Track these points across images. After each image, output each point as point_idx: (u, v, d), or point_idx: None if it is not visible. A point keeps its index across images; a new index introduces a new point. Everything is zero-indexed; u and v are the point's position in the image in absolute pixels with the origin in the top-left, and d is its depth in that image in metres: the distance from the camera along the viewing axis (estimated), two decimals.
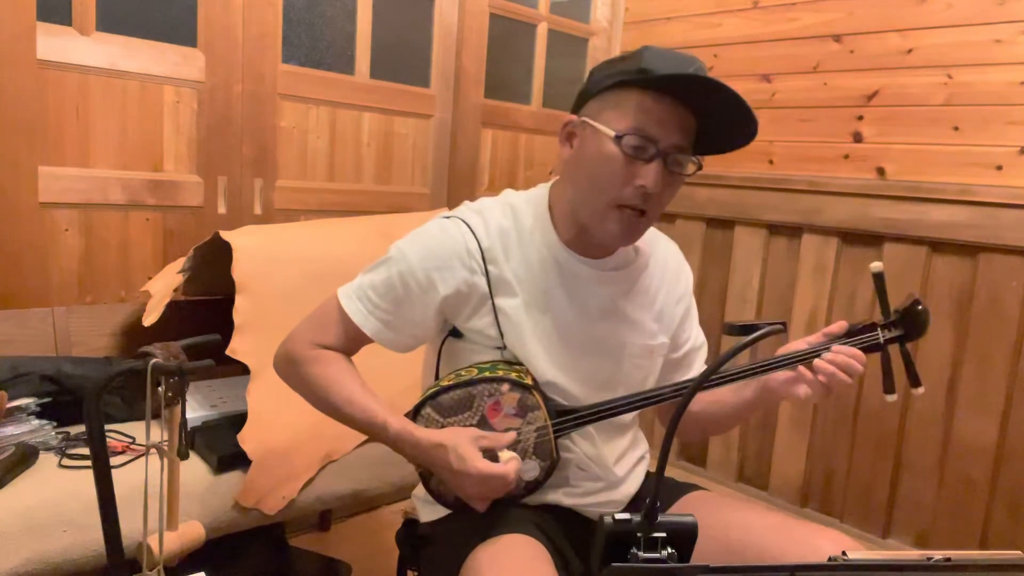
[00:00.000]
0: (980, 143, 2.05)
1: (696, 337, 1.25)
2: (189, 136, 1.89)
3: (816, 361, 1.06)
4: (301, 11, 2.08)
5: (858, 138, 2.29)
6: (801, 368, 1.08)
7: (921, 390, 1.12)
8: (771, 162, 2.50)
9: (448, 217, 1.09)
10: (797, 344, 1.11)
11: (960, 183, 2.06)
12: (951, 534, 2.11)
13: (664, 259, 1.20)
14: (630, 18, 2.89)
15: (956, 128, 2.09)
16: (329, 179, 2.21)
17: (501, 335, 1.07)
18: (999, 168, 2.02)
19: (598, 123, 1.00)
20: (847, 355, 1.05)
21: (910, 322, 1.10)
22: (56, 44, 1.65)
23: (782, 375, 1.09)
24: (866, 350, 1.09)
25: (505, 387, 1.04)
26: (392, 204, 2.36)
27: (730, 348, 0.64)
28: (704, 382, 0.62)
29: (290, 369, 1.12)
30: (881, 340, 1.10)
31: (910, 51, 2.17)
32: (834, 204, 2.29)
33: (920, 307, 1.09)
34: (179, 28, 1.84)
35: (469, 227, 1.07)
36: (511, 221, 1.09)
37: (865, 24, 2.26)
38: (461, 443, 0.98)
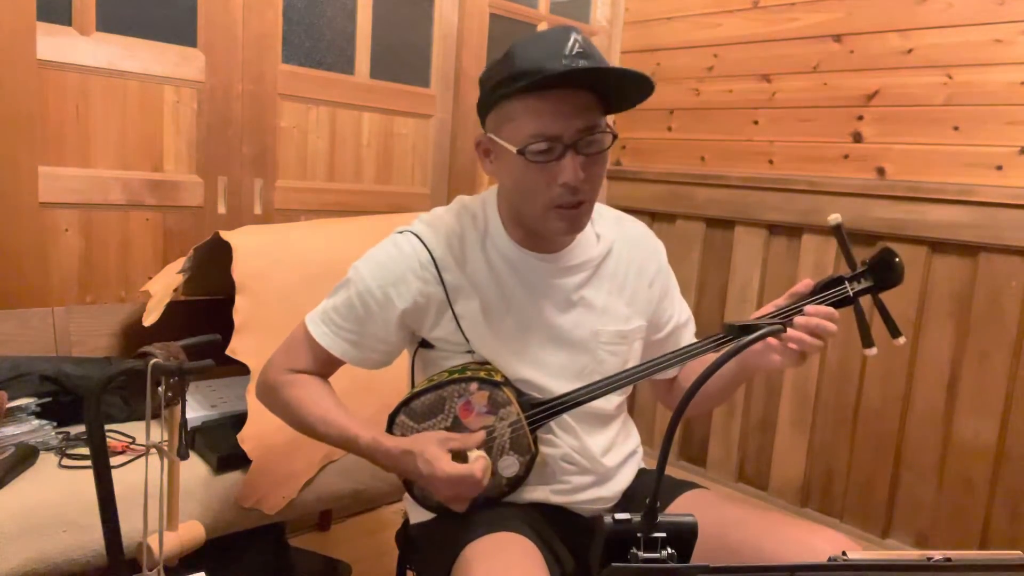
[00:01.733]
0: (980, 143, 2.05)
1: (680, 313, 1.24)
2: (189, 136, 1.89)
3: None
4: (301, 11, 2.08)
5: (858, 138, 2.29)
6: (770, 338, 1.03)
7: (902, 340, 1.06)
8: (771, 162, 2.50)
9: (401, 231, 1.11)
10: (765, 309, 1.08)
11: (960, 183, 2.06)
12: (951, 534, 2.11)
13: (632, 241, 1.19)
14: (630, 18, 2.90)
15: (956, 128, 2.09)
16: (329, 179, 2.21)
17: (466, 340, 1.08)
18: (999, 168, 2.02)
19: (500, 139, 1.00)
20: (819, 316, 1.00)
21: (880, 271, 1.05)
22: (56, 44, 1.65)
23: (754, 345, 1.04)
24: (837, 306, 1.04)
25: (474, 386, 1.04)
26: (392, 204, 2.36)
27: (729, 348, 0.64)
28: (701, 385, 0.62)
29: (268, 395, 1.14)
30: (850, 293, 1.05)
31: (910, 51, 2.17)
32: (834, 204, 2.29)
33: (897, 259, 1.04)
34: (179, 28, 1.84)
35: (420, 239, 1.08)
36: (463, 227, 1.10)
37: (865, 24, 2.26)
38: (427, 448, 0.99)
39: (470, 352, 1.09)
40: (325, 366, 1.13)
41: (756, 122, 2.53)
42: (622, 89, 0.99)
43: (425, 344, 1.12)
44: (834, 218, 1.08)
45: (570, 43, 0.95)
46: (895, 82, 2.20)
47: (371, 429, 1.05)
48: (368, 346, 1.10)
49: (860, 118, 2.28)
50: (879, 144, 2.25)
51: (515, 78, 0.95)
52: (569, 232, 1.06)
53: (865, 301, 1.08)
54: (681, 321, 1.24)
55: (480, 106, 1.05)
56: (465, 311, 1.08)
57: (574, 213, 1.02)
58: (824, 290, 1.06)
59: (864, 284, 1.06)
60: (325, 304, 1.13)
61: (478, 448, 1.02)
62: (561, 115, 0.96)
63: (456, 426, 1.05)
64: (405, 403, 1.06)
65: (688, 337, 1.25)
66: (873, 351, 1.07)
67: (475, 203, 1.14)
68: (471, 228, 1.10)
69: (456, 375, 1.05)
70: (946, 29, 2.10)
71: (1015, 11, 1.98)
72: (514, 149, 0.98)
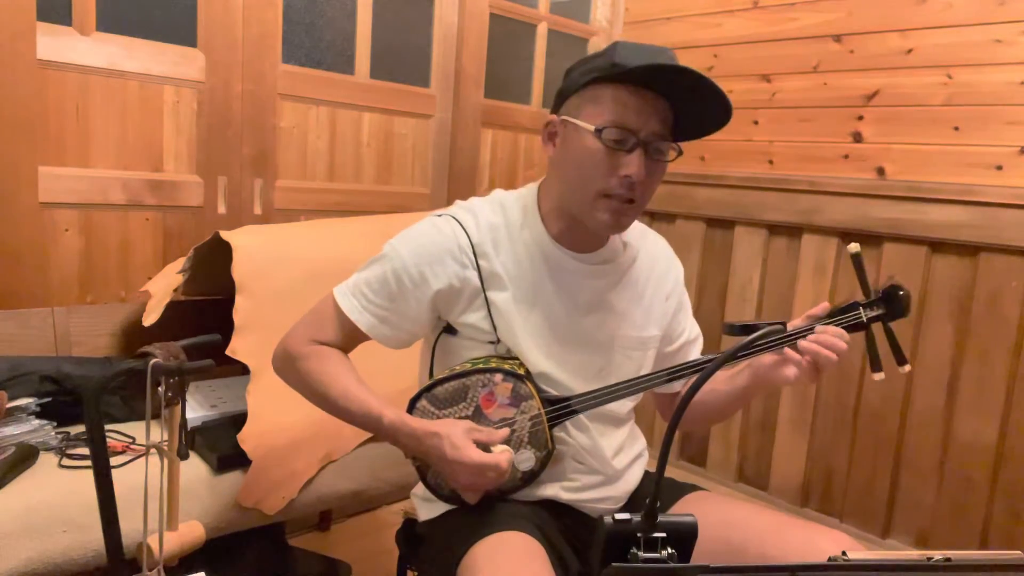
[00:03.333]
0: (980, 143, 2.05)
1: (691, 330, 1.27)
2: (189, 136, 1.89)
3: (801, 342, 1.06)
4: (301, 11, 2.08)
5: (858, 138, 2.29)
6: (787, 351, 1.08)
7: (907, 368, 1.12)
8: (771, 162, 2.50)
9: (440, 215, 1.12)
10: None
11: (960, 183, 2.06)
12: (951, 534, 2.11)
13: (653, 254, 1.22)
14: (630, 18, 2.90)
15: (956, 128, 2.09)
16: (329, 179, 2.21)
17: (494, 328, 1.08)
18: (999, 168, 2.02)
19: (578, 120, 1.03)
20: (831, 334, 1.06)
21: (891, 301, 1.11)
22: (56, 44, 1.65)
23: (769, 360, 1.10)
24: (850, 329, 1.09)
25: (498, 377, 1.05)
26: (392, 204, 2.36)
27: (729, 348, 0.64)
28: (703, 383, 0.61)
29: (287, 365, 1.13)
30: (864, 319, 1.11)
31: (910, 51, 2.17)
32: (834, 204, 2.29)
33: (901, 292, 1.10)
34: (179, 28, 1.84)
35: (460, 224, 1.10)
36: (501, 218, 1.11)
37: (865, 24, 2.26)
38: (455, 433, 1.00)
39: (492, 343, 1.10)
40: (349, 340, 1.13)
41: (756, 122, 2.53)
42: (700, 111, 1.02)
43: (449, 330, 1.13)
44: (853, 247, 1.13)
45: (667, 55, 1.00)
46: (895, 82, 2.20)
47: (395, 409, 1.05)
48: (395, 323, 1.10)
49: (860, 118, 2.28)
50: (879, 144, 2.25)
51: (612, 66, 0.99)
52: (612, 228, 1.07)
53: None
54: (691, 337, 1.27)
55: (563, 90, 1.08)
56: (497, 299, 1.08)
57: (623, 208, 1.04)
58: (840, 314, 1.11)
59: (877, 312, 1.11)
60: (356, 277, 1.12)
61: (501, 443, 1.03)
62: (644, 112, 1.00)
63: (477, 415, 1.06)
64: (428, 389, 1.07)
65: (695, 354, 1.28)
66: (881, 376, 1.12)
67: (513, 196, 1.15)
68: (508, 219, 1.12)
69: (480, 365, 1.06)
70: (946, 29, 2.10)
71: (1015, 11, 1.98)
72: (592, 127, 1.01)
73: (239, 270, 1.52)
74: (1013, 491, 2.01)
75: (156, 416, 1.07)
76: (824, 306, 1.12)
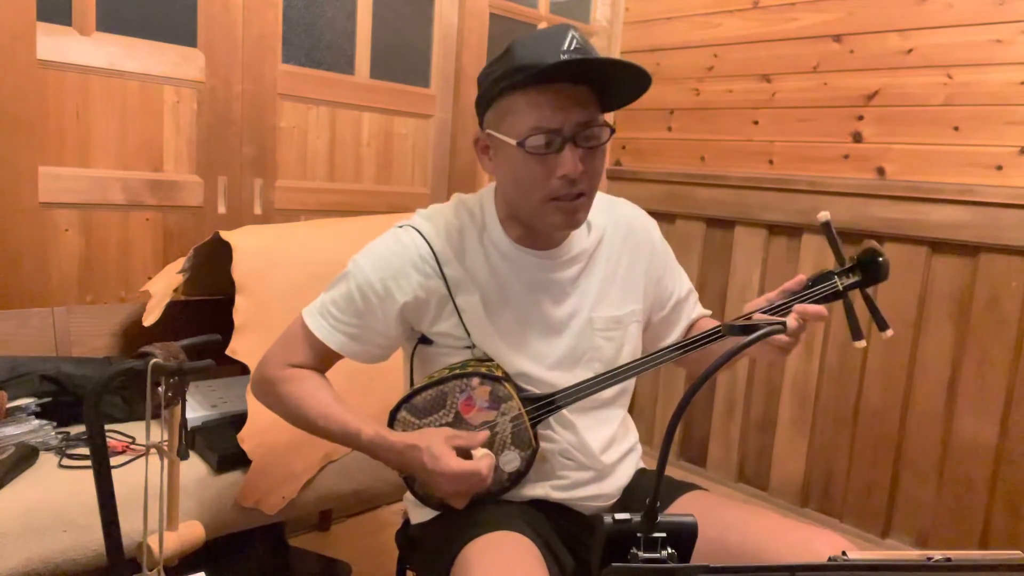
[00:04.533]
0: (980, 143, 2.05)
1: (680, 288, 1.25)
2: (189, 136, 1.89)
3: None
4: (301, 11, 2.08)
5: (858, 138, 2.29)
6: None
7: (890, 332, 1.09)
8: (771, 162, 2.50)
9: (401, 226, 1.12)
10: (757, 303, 1.11)
11: (960, 183, 2.06)
12: (951, 534, 2.11)
13: (624, 225, 1.20)
14: (630, 18, 2.90)
15: (956, 128, 2.09)
16: (329, 179, 2.21)
17: (468, 333, 1.08)
18: (999, 168, 2.02)
19: (500, 134, 1.02)
20: (810, 318, 1.05)
21: (867, 267, 1.08)
22: (56, 44, 1.65)
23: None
24: (827, 300, 1.07)
25: (475, 381, 1.05)
26: (392, 204, 2.36)
27: (729, 348, 0.64)
28: (701, 385, 0.62)
29: (265, 390, 1.14)
30: (840, 287, 1.08)
31: (910, 51, 2.17)
32: (834, 204, 2.29)
33: (880, 258, 1.07)
34: (179, 28, 1.84)
35: (420, 233, 1.09)
36: (462, 222, 1.11)
37: (865, 24, 2.26)
38: (434, 443, 0.99)
39: (469, 348, 1.09)
40: (323, 360, 1.13)
41: (756, 122, 2.53)
42: (620, 83, 1.00)
43: (424, 340, 1.12)
44: (823, 215, 1.10)
45: (568, 40, 0.97)
46: (895, 82, 2.20)
47: (373, 424, 1.05)
48: (366, 339, 1.10)
49: (860, 118, 2.28)
50: (879, 144, 2.25)
51: (515, 72, 0.96)
52: (567, 226, 1.06)
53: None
54: (682, 295, 1.25)
55: (479, 103, 1.06)
56: (466, 305, 1.08)
57: (572, 206, 1.02)
58: (814, 285, 1.08)
59: (852, 279, 1.08)
60: (323, 297, 1.12)
61: (481, 447, 1.02)
62: (560, 108, 0.97)
63: (458, 421, 1.06)
64: (407, 399, 1.07)
65: (690, 310, 1.26)
66: (862, 343, 1.10)
67: (473, 200, 1.14)
68: (469, 223, 1.11)
69: (457, 371, 1.06)
70: (946, 29, 2.10)
71: (1015, 11, 1.98)
72: (514, 142, 0.99)
73: (239, 270, 1.52)
74: (1013, 491, 2.01)
75: (156, 416, 1.07)
76: (800, 279, 1.10)
